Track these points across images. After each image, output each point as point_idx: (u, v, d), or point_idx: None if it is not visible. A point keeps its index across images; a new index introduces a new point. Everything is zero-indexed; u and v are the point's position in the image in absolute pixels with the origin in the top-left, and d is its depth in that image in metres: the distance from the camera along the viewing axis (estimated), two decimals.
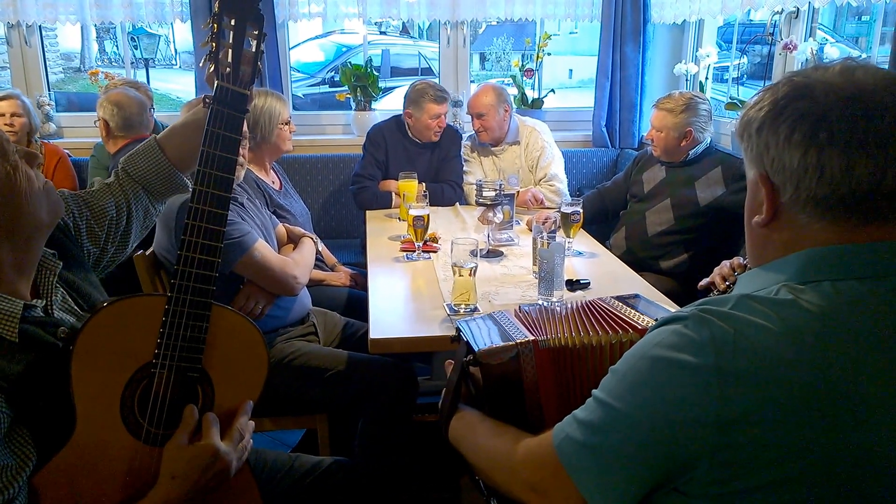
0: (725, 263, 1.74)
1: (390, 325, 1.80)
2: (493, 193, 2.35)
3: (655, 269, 2.64)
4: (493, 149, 3.27)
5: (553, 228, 2.60)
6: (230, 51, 1.16)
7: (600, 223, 2.92)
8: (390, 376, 1.94)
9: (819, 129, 0.79)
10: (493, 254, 2.38)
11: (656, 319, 1.19)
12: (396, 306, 1.97)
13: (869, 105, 0.79)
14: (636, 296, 1.39)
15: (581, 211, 2.37)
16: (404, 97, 3.15)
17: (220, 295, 1.17)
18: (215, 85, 1.15)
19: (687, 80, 3.58)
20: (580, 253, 2.41)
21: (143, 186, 1.35)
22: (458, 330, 1.27)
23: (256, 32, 1.20)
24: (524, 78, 3.77)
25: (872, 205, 0.79)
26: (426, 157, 3.20)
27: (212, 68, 1.15)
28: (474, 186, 3.15)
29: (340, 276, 2.62)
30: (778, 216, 0.85)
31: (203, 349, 1.12)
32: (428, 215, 2.31)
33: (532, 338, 1.14)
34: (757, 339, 0.76)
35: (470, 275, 1.85)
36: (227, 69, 1.15)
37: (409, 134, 3.18)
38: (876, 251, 0.80)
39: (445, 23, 3.79)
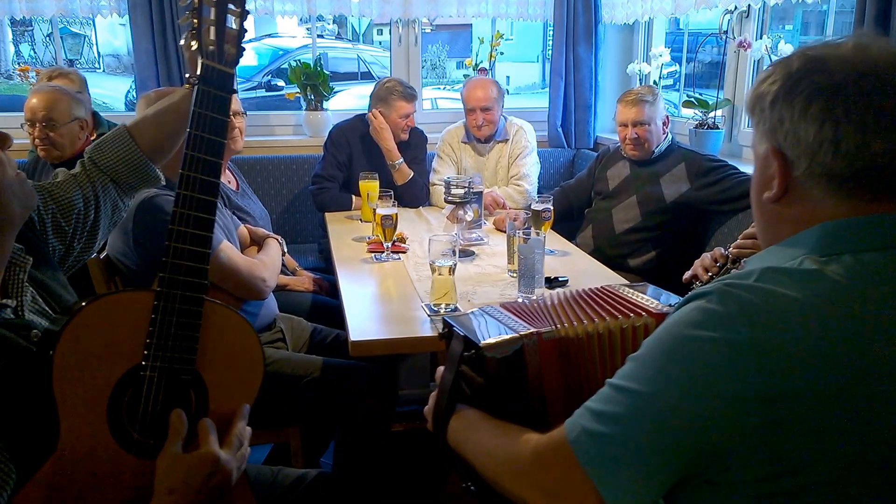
0: (706, 255, 1.73)
1: (370, 327, 1.71)
2: (462, 191, 2.30)
3: (624, 268, 2.63)
4: (481, 146, 3.18)
5: (523, 227, 2.57)
6: (212, 28, 1.07)
7: (565, 222, 2.90)
8: (370, 381, 1.85)
9: (835, 103, 0.79)
10: (464, 253, 2.31)
11: (672, 305, 1.18)
12: (373, 308, 1.89)
13: (885, 80, 0.79)
14: (645, 284, 1.35)
15: (552, 208, 2.34)
16: (371, 96, 3.04)
17: None
18: (199, 64, 1.06)
19: (640, 79, 3.62)
20: (552, 251, 2.37)
21: (112, 178, 1.23)
22: (446, 325, 1.20)
23: (238, 10, 1.12)
24: (478, 73, 3.73)
25: (887, 179, 0.79)
26: (368, 155, 3.05)
27: (195, 46, 1.06)
28: (441, 186, 3.11)
29: (304, 281, 2.51)
30: (790, 191, 0.84)
31: (196, 348, 1.02)
32: (396, 214, 2.24)
33: (536, 329, 1.09)
34: (788, 310, 0.74)
35: (449, 273, 1.79)
36: (212, 47, 1.07)
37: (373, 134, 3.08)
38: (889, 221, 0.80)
39: (397, 21, 3.72)
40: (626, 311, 1.14)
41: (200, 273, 1.03)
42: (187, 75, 1.12)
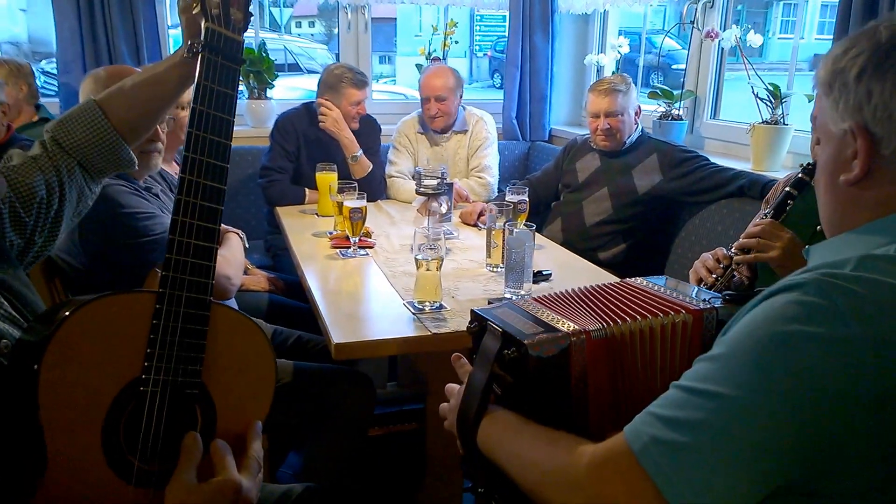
0: (707, 256, 1.65)
1: (352, 329, 1.55)
2: (434, 182, 2.16)
3: (594, 261, 2.54)
4: (438, 136, 3.04)
5: (502, 220, 2.45)
6: None
7: (532, 215, 2.80)
8: (347, 386, 1.69)
9: None
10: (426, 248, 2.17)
11: (706, 300, 1.09)
12: (351, 309, 1.72)
13: None
14: (662, 277, 1.26)
15: (527, 200, 2.23)
16: (318, 83, 2.85)
17: None
18: (203, 28, 0.92)
19: (597, 71, 3.57)
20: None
21: (79, 161, 1.06)
22: (476, 318, 1.10)
23: None
24: (430, 62, 3.58)
25: None
26: (319, 146, 2.86)
27: (197, 8, 0.91)
28: (399, 179, 2.96)
29: (259, 280, 2.31)
30: (872, 172, 0.79)
31: (203, 358, 0.85)
32: (366, 207, 2.08)
33: (582, 327, 0.99)
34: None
35: (437, 269, 1.65)
36: (216, 10, 0.92)
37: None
38: None
39: (346, 6, 3.54)
40: (664, 308, 1.04)
41: (207, 272, 0.88)
42: (189, 42, 0.97)
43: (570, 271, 2.05)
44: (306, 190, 2.79)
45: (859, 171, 0.79)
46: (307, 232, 2.39)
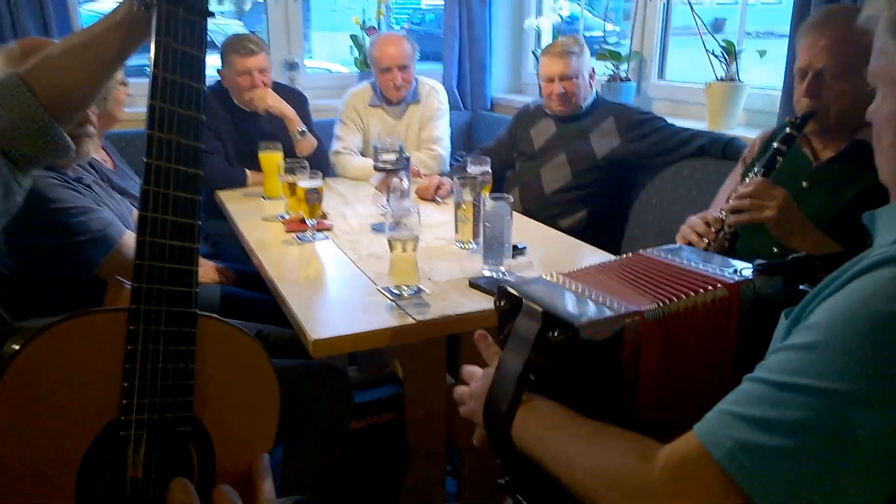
0: (695, 220, 1.58)
1: (329, 322, 1.42)
2: (393, 156, 2.02)
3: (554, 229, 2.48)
4: (393, 108, 2.87)
5: (449, 195, 2.34)
6: None
7: None
8: (323, 383, 1.57)
9: None
10: (397, 226, 2.04)
11: (737, 271, 1.01)
12: (322, 299, 1.59)
13: None
14: (681, 247, 1.19)
15: (490, 171, 2.12)
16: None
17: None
18: None
19: (538, 35, 3.48)
20: None
21: (2, 149, 0.87)
22: (506, 294, 0.99)
23: None
24: (366, 35, 3.41)
25: None
26: (261, 125, 2.66)
27: None
28: (347, 155, 2.79)
29: (208, 272, 2.13)
30: None
31: (193, 386, 0.70)
32: (322, 187, 1.92)
33: (638, 307, 0.90)
34: None
35: (413, 250, 1.53)
36: None
37: (235, 100, 2.68)
38: None
39: None
40: (700, 283, 0.97)
41: (189, 278, 0.72)
42: None
43: (545, 243, 1.97)
44: (247, 171, 2.60)
45: None
46: (255, 217, 2.22)
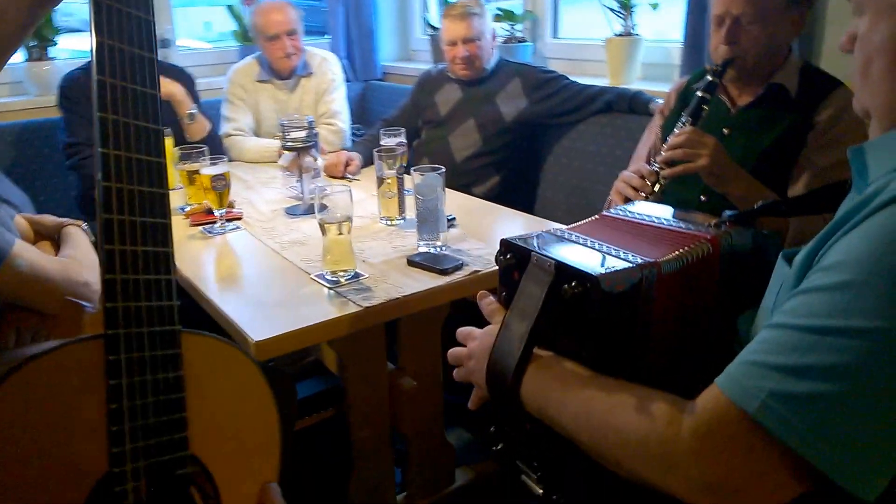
0: (630, 175, 1.56)
1: (267, 321, 1.28)
2: (303, 133, 1.88)
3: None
4: (283, 82, 2.67)
5: (358, 171, 2.23)
6: None
7: None
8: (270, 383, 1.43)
9: None
10: (314, 209, 1.91)
11: (712, 224, 0.99)
12: (253, 295, 1.45)
13: None
14: (633, 204, 1.16)
15: (405, 142, 2.03)
16: None
17: None
18: None
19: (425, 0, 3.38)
20: (408, 191, 2.07)
21: None
22: (511, 247, 0.93)
23: None
24: (245, 4, 3.17)
25: None
26: None
27: None
28: (239, 136, 2.58)
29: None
30: None
31: (186, 421, 0.58)
32: (228, 172, 1.76)
33: (654, 258, 0.87)
34: None
35: (348, 232, 1.42)
36: None
37: None
38: None
39: None
40: (686, 239, 0.94)
41: (169, 289, 0.60)
42: None
43: (467, 212, 1.91)
44: None
45: None
46: None
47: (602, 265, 0.84)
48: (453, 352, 1.00)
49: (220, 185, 1.72)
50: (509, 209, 1.99)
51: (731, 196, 1.48)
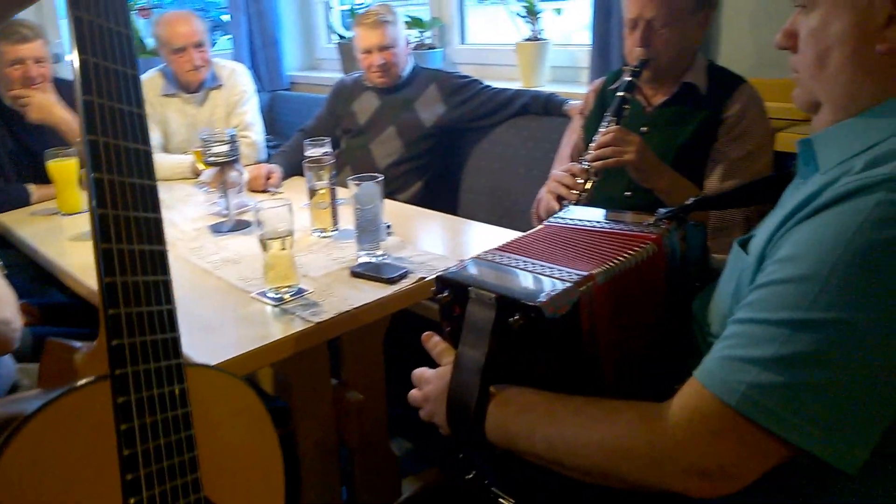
0: (561, 175, 1.60)
1: (212, 345, 1.23)
2: (226, 148, 1.81)
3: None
4: (190, 96, 2.57)
5: (278, 184, 2.19)
6: None
7: None
8: None
9: None
10: (241, 225, 1.86)
11: (650, 224, 1.03)
12: (193, 320, 1.38)
13: None
14: (566, 206, 1.20)
15: (331, 151, 2.00)
16: None
17: None
18: None
19: (330, 7, 3.34)
20: (339, 200, 2.05)
21: None
22: (447, 283, 0.92)
23: None
24: (140, 17, 3.03)
25: None
26: (43, 128, 2.23)
27: None
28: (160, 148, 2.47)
29: None
30: None
31: (197, 461, 0.55)
32: None
33: (588, 271, 0.87)
34: None
35: (291, 247, 1.39)
36: None
37: (5, 100, 2.25)
38: None
39: None
40: (628, 242, 0.97)
41: (172, 320, 0.57)
42: None
43: (398, 219, 1.90)
44: (29, 187, 2.19)
45: None
46: (58, 238, 1.89)
47: (542, 290, 0.83)
48: (413, 396, 0.98)
49: None
50: (438, 213, 2.01)
51: (656, 189, 1.56)
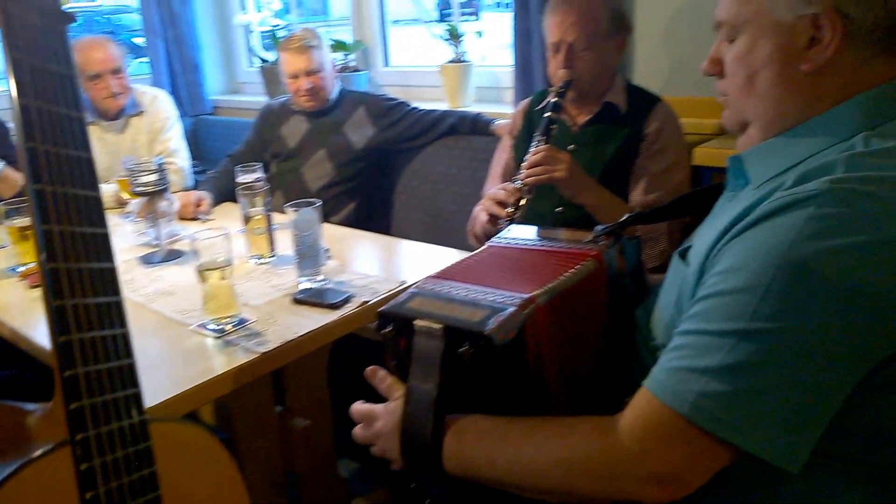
0: (496, 192, 1.65)
1: (154, 383, 1.19)
2: (154, 177, 1.78)
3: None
4: (109, 123, 2.48)
5: (208, 210, 2.16)
6: None
7: None
8: None
9: None
10: (174, 255, 1.82)
11: (589, 241, 1.07)
12: None
13: None
14: (508, 226, 1.23)
15: (263, 177, 1.99)
16: None
17: None
18: None
19: (250, 31, 3.31)
20: (275, 226, 2.03)
21: None
22: (390, 317, 0.91)
23: None
24: None
25: None
26: None
27: None
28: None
29: None
30: (837, 55, 0.76)
31: None
32: None
33: (530, 294, 0.89)
34: None
35: (231, 276, 1.37)
36: None
37: None
38: None
39: None
40: (569, 259, 1.00)
41: (131, 372, 0.56)
42: None
43: (334, 241, 1.91)
44: None
45: (832, 53, 0.75)
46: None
47: (488, 317, 0.83)
48: (357, 434, 0.97)
49: None
50: (373, 234, 2.03)
51: (586, 204, 1.63)
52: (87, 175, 0.61)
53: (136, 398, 0.59)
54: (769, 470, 0.70)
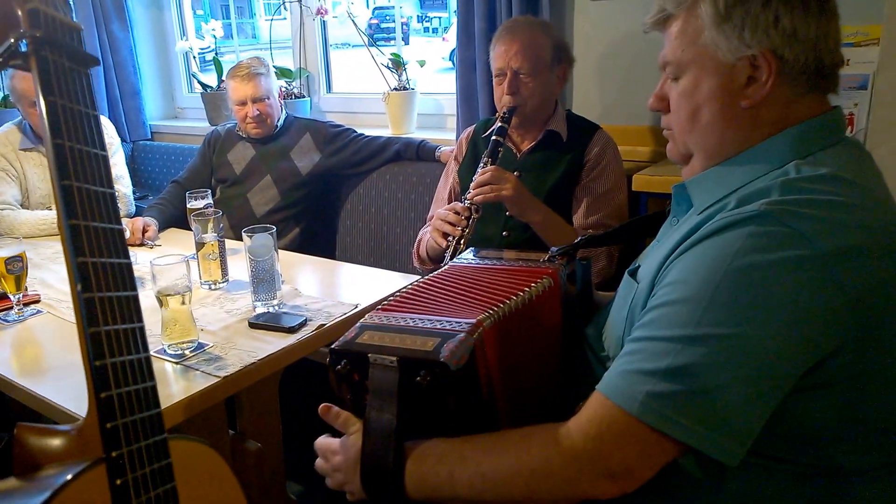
0: (445, 213, 1.71)
1: None
2: None
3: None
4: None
5: (155, 237, 2.15)
6: None
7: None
8: None
9: None
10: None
11: (545, 260, 1.14)
12: (83, 388, 1.33)
13: None
14: (473, 250, 1.29)
15: (213, 203, 2.00)
16: None
17: None
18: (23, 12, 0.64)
19: (193, 57, 3.30)
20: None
21: None
22: (344, 354, 0.93)
23: None
24: None
25: (830, 74, 0.87)
26: None
27: None
28: (9, 210, 2.31)
29: None
30: (772, 92, 0.84)
31: None
32: (25, 252, 1.60)
33: (473, 319, 0.93)
34: (841, 212, 0.76)
35: (190, 301, 1.38)
36: None
37: None
38: (837, 119, 0.88)
39: None
40: (525, 278, 1.06)
41: (154, 394, 0.59)
42: None
43: (287, 266, 1.93)
44: None
45: (769, 90, 0.82)
46: None
47: (440, 345, 0.85)
48: (320, 467, 0.99)
49: (17, 268, 1.56)
50: (320, 258, 2.06)
51: (532, 223, 1.72)
52: (112, 209, 0.64)
53: (159, 417, 0.62)
54: (712, 465, 0.76)
